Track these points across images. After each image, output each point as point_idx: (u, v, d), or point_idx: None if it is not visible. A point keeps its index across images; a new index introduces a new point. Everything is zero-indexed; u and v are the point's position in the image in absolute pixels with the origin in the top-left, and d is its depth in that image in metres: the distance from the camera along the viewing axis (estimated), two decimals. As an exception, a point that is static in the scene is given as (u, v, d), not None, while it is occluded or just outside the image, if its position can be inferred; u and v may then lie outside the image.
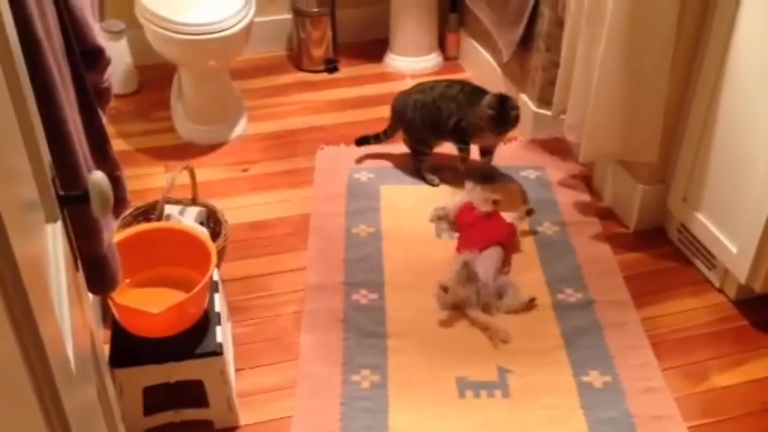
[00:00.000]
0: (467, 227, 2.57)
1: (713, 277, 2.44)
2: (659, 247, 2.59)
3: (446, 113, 2.76)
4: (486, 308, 2.32)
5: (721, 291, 2.42)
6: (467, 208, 2.61)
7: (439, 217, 2.67)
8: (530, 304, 2.34)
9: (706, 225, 2.38)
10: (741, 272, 2.24)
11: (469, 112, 2.72)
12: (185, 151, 3.00)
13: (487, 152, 2.87)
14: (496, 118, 2.66)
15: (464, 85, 2.84)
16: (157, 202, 2.30)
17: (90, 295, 1.47)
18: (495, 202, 2.64)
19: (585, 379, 2.13)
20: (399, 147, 3.06)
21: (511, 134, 2.86)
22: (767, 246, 2.14)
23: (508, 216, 2.61)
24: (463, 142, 2.82)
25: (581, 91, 2.50)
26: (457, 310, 2.31)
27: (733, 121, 2.21)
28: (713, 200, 2.34)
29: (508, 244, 2.52)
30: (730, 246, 2.27)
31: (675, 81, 2.38)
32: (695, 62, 2.34)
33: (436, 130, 2.81)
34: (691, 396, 2.11)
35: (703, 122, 2.32)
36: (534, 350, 2.21)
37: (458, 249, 2.48)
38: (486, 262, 2.39)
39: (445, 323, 2.29)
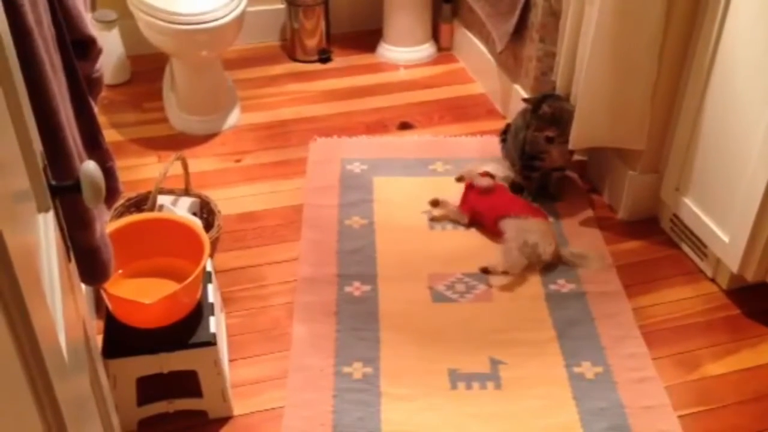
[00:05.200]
0: (491, 196, 2.59)
1: (705, 267, 2.45)
2: (652, 237, 2.60)
3: (518, 129, 2.67)
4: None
5: (713, 280, 2.43)
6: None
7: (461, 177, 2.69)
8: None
9: (698, 215, 2.38)
10: (733, 262, 2.25)
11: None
12: (178, 142, 3.00)
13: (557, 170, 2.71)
14: (540, 115, 2.54)
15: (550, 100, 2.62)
16: (149, 192, 2.30)
17: (83, 286, 1.47)
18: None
19: (577, 369, 2.13)
20: (391, 137, 3.06)
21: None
22: (759, 235, 2.15)
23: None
24: (529, 168, 2.65)
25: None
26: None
27: (725, 111, 2.21)
28: (705, 190, 2.35)
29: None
30: (722, 236, 2.28)
31: (667, 69, 2.38)
32: (688, 51, 2.34)
33: (517, 152, 2.68)
34: (683, 385, 2.12)
35: (695, 112, 2.33)
36: (526, 341, 2.22)
37: (498, 213, 2.53)
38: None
39: (437, 315, 2.30)
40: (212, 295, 2.02)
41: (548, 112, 2.56)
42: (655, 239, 2.59)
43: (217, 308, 2.07)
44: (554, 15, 2.70)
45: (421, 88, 3.39)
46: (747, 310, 2.34)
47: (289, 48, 3.61)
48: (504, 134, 2.84)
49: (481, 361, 2.15)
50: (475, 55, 3.40)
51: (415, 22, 3.54)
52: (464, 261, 2.47)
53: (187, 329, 1.91)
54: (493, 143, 2.94)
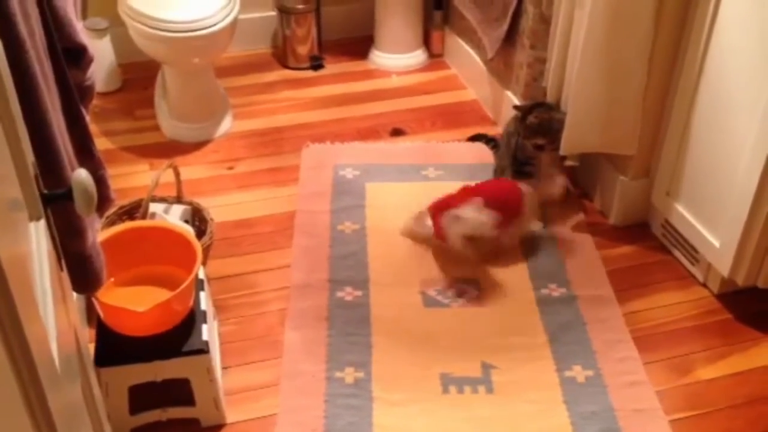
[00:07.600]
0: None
1: (696, 272, 2.46)
2: (643, 242, 2.61)
3: (510, 135, 2.69)
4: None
5: (704, 285, 2.44)
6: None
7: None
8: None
9: (689, 219, 2.39)
10: (724, 266, 2.26)
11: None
12: (170, 149, 2.99)
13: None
14: (527, 125, 2.57)
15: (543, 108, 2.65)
16: (141, 200, 2.30)
17: (74, 294, 1.47)
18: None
19: (568, 374, 2.14)
20: (384, 143, 3.07)
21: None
22: (749, 240, 2.17)
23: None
24: (520, 173, 2.66)
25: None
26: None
27: (716, 116, 2.22)
28: (696, 195, 2.36)
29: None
30: (713, 240, 2.29)
31: (657, 75, 2.40)
32: (678, 56, 2.36)
33: (509, 157, 2.69)
34: (675, 389, 2.12)
35: (685, 117, 2.34)
36: (518, 346, 2.22)
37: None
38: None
39: (429, 320, 2.30)
40: (204, 302, 2.02)
41: (535, 123, 2.57)
42: (647, 244, 2.60)
43: (210, 316, 2.07)
44: (545, 21, 2.71)
45: (413, 95, 3.40)
46: (738, 315, 2.35)
47: (281, 55, 3.61)
48: (492, 141, 2.86)
49: (473, 366, 2.16)
50: (467, 62, 3.41)
51: (407, 29, 3.55)
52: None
53: (179, 337, 1.91)
54: (484, 149, 2.95)
